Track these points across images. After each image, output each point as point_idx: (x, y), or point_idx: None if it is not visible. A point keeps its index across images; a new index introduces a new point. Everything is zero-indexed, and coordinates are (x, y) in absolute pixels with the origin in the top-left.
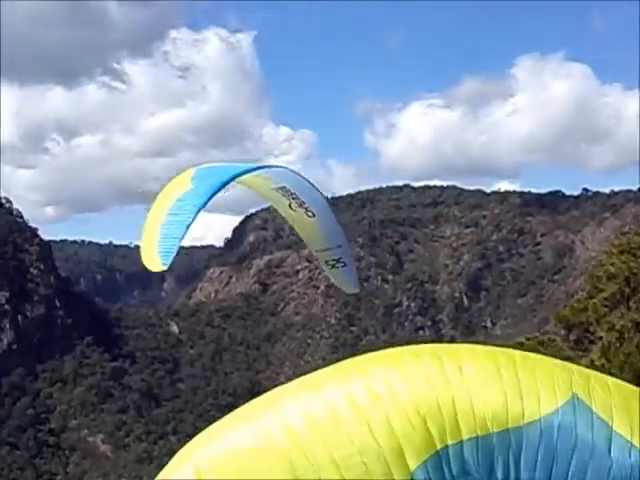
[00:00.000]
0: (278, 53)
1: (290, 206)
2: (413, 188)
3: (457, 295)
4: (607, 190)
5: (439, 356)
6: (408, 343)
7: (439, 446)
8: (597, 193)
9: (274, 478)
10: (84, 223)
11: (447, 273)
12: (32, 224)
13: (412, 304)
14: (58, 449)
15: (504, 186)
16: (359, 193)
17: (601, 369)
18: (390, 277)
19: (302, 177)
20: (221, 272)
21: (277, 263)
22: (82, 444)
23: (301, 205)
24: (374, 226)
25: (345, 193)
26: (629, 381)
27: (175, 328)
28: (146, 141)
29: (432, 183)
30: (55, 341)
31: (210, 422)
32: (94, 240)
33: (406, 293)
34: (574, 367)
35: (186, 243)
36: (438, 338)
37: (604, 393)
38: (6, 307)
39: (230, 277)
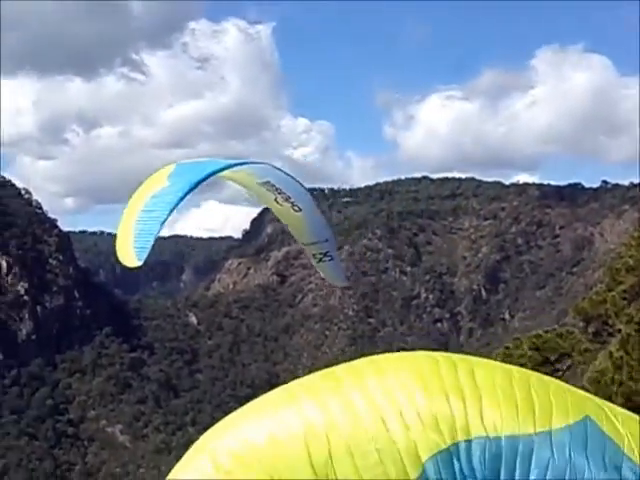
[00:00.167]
0: (297, 44)
1: (276, 200)
2: (431, 180)
3: (475, 287)
4: (626, 182)
5: (454, 362)
6: (427, 335)
7: (449, 442)
8: (616, 185)
9: (291, 466)
10: (103, 214)
11: (465, 265)
12: (51, 215)
13: (430, 296)
14: (77, 439)
15: (523, 178)
16: (377, 185)
17: (620, 361)
18: (408, 269)
19: (285, 173)
20: (239, 263)
21: (295, 255)
22: (101, 434)
23: (287, 200)
24: (392, 218)
25: (363, 185)
26: None
27: (193, 319)
28: (165, 132)
29: (451, 175)
30: (74, 332)
31: (228, 413)
32: (113, 231)
33: (424, 285)
34: (588, 395)
35: (204, 234)
36: (456, 330)
37: (616, 420)
38: (25, 298)
39: (248, 268)
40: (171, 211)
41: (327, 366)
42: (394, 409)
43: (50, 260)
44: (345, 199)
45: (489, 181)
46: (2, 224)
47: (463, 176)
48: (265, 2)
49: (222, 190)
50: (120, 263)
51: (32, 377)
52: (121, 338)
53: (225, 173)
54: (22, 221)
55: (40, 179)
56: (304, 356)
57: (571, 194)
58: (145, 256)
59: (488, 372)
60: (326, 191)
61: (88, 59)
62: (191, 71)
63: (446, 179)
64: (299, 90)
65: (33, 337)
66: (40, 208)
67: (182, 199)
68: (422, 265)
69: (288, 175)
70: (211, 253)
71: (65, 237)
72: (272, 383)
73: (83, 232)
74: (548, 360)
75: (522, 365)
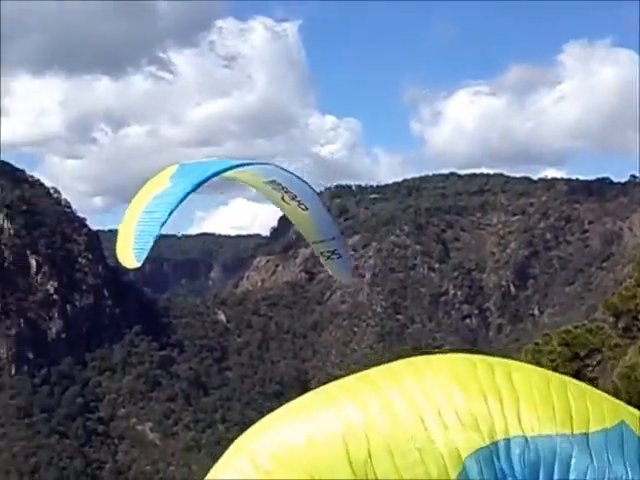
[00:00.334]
0: (323, 42)
1: (283, 199)
2: (459, 176)
3: (504, 283)
4: None
5: (490, 363)
6: (456, 331)
7: (489, 441)
8: None
9: (331, 465)
10: None
11: (494, 261)
12: (80, 214)
13: (459, 292)
14: (107, 437)
15: (551, 173)
16: (405, 181)
17: None
18: (436, 265)
19: (290, 172)
20: (267, 261)
21: None
22: (131, 432)
23: (293, 198)
24: (420, 214)
25: (391, 181)
26: None
27: (222, 317)
28: (192, 131)
29: (478, 171)
30: (104, 330)
31: (257, 410)
32: None
33: (452, 281)
34: (622, 403)
35: (232, 232)
36: (485, 326)
37: None
38: (55, 297)
39: (276, 266)
40: (171, 212)
41: (355, 363)
42: (433, 409)
43: (79, 259)
44: (373, 196)
45: (517, 176)
46: (31, 223)
47: (491, 172)
48: (292, 0)
49: (250, 188)
50: (119, 262)
51: (62, 376)
52: (151, 336)
53: (229, 174)
54: (51, 220)
55: (69, 178)
56: (332, 353)
57: (599, 189)
58: (144, 257)
59: (525, 375)
60: (353, 188)
61: (115, 58)
62: (218, 69)
63: (474, 175)
64: (326, 87)
65: (63, 336)
66: (69, 207)
67: (182, 200)
68: (450, 261)
69: (293, 175)
70: (239, 251)
71: (94, 236)
72: (301, 380)
73: (112, 231)
74: (578, 356)
75: (552, 361)
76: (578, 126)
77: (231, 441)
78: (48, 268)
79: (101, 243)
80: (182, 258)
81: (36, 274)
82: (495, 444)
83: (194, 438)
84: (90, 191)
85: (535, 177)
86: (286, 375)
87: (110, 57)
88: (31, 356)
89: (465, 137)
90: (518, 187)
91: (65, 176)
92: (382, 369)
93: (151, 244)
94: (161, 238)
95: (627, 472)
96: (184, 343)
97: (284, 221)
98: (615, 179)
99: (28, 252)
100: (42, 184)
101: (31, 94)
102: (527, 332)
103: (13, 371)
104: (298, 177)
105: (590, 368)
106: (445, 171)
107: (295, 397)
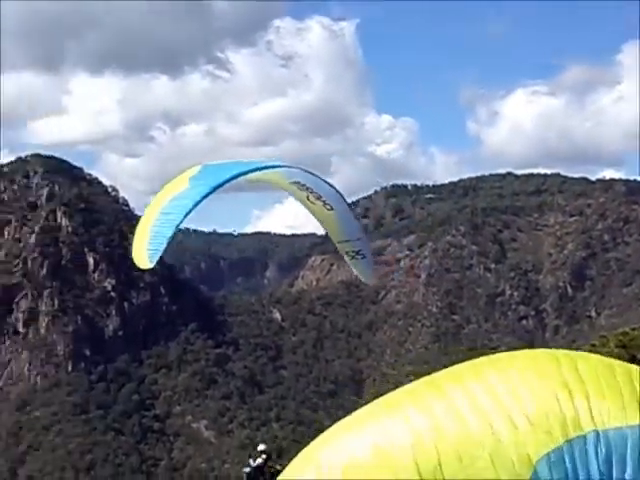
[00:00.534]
0: (381, 41)
1: (308, 199)
2: (516, 176)
3: (561, 284)
4: None
5: (556, 357)
6: (512, 332)
7: (562, 440)
8: None
9: (399, 477)
10: None
11: (551, 262)
12: (138, 212)
13: (515, 293)
14: (162, 435)
15: (609, 174)
16: (461, 181)
17: None
18: (493, 266)
19: (312, 173)
20: (322, 260)
21: (378, 251)
22: (186, 430)
23: (319, 198)
24: (476, 214)
25: (447, 181)
26: None
27: (278, 315)
28: (249, 130)
29: (535, 171)
30: (160, 328)
31: (312, 409)
32: (199, 228)
33: (509, 282)
34: None
35: (287, 231)
36: (541, 327)
37: None
38: (112, 294)
39: (331, 265)
40: (187, 214)
41: (410, 363)
42: (500, 411)
43: None
44: (428, 195)
45: (575, 177)
46: (89, 221)
47: (548, 172)
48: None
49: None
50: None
51: (119, 373)
52: (206, 334)
53: (252, 176)
54: (109, 218)
55: (126, 177)
56: (387, 353)
57: None
58: (157, 258)
59: (591, 365)
60: (409, 187)
61: (173, 57)
62: (275, 69)
63: (531, 175)
64: (383, 87)
65: (120, 333)
66: (127, 205)
67: (199, 203)
68: (507, 262)
69: (317, 177)
70: (294, 250)
71: None
72: (355, 379)
73: None
74: (635, 358)
75: None
76: (637, 126)
77: (285, 440)
78: (105, 266)
79: None
80: (238, 256)
81: (93, 272)
82: (569, 442)
83: (249, 436)
84: (147, 190)
85: (593, 178)
86: (340, 374)
87: (168, 56)
88: (88, 353)
89: (522, 137)
90: (576, 187)
91: (123, 174)
92: (445, 373)
93: (165, 245)
94: (218, 236)
95: None
96: (239, 341)
97: None
98: None
99: (86, 250)
100: (100, 182)
101: (90, 93)
102: (584, 334)
103: (70, 368)
104: (323, 180)
105: None
106: (502, 171)
107: (349, 396)
